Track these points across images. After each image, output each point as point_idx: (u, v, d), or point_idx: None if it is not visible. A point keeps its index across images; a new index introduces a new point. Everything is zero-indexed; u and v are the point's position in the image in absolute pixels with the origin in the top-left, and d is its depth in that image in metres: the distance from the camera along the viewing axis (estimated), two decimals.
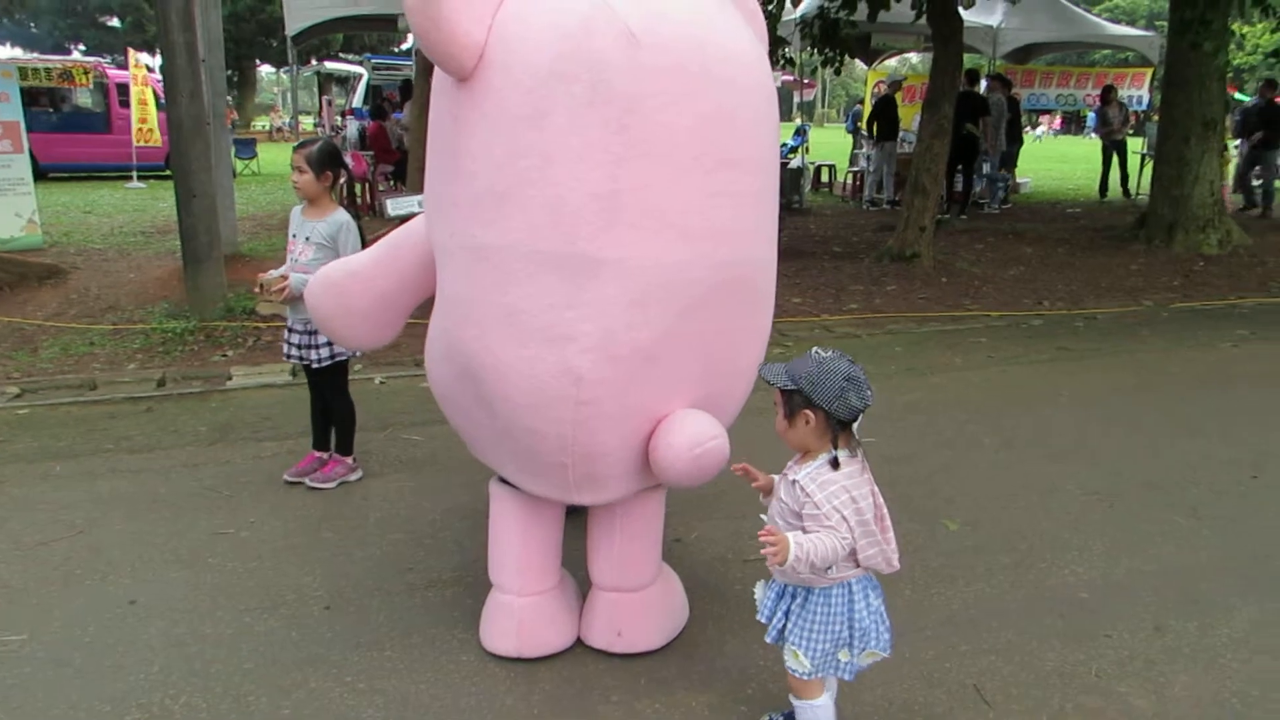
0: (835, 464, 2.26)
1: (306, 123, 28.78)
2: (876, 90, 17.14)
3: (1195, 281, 9.47)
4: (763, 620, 2.47)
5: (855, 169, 16.56)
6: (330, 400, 4.36)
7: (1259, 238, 11.43)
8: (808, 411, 2.26)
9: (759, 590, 2.53)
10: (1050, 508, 4.12)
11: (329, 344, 4.15)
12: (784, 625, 2.41)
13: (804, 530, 2.24)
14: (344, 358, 4.26)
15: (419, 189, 8.22)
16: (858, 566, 2.32)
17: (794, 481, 2.29)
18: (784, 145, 22.56)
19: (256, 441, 4.84)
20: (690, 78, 2.40)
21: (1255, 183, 14.29)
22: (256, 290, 4.10)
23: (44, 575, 3.45)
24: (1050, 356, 6.77)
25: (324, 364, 4.18)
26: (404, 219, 8.09)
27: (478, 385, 2.59)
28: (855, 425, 2.30)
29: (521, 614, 2.93)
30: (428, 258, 2.79)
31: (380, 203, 10.70)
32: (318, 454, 4.41)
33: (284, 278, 4.02)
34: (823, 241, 11.44)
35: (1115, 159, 15.91)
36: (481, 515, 3.95)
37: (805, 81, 22.48)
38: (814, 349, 2.32)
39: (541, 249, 2.40)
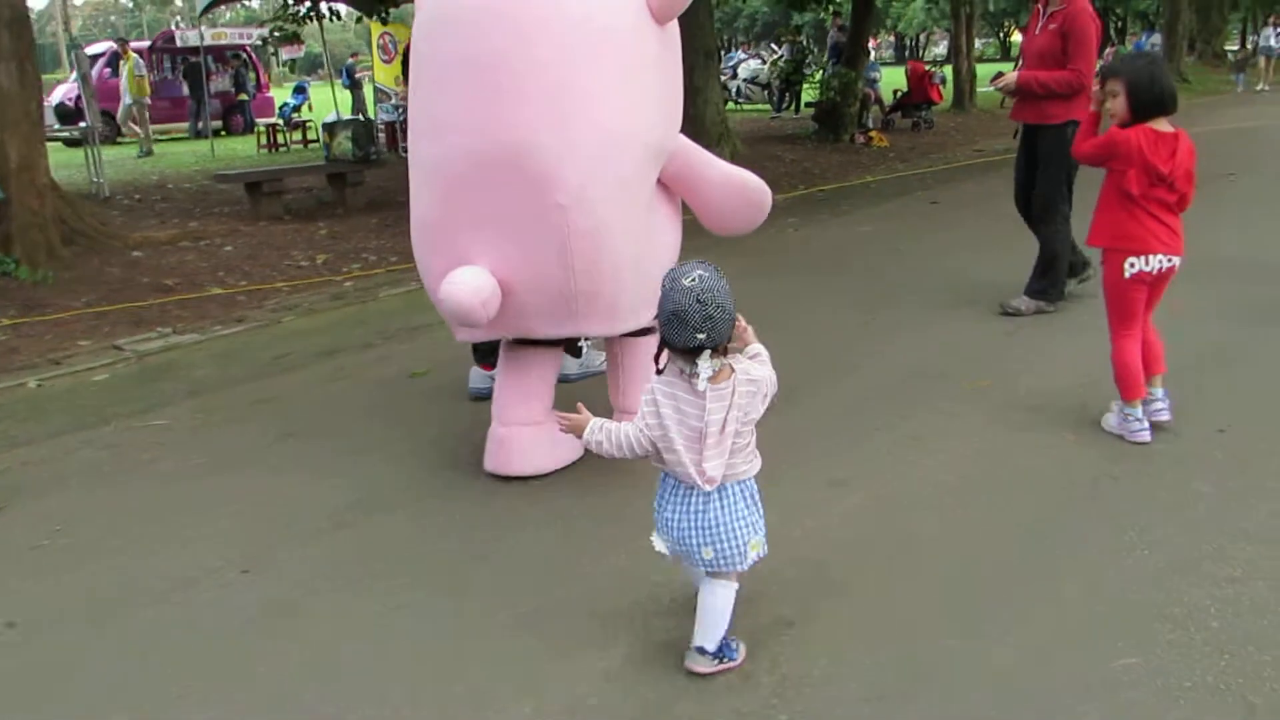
0: (657, 371, 2.41)
1: None
2: (381, 42, 17.24)
3: None
4: None
5: (389, 119, 16.36)
6: None
7: (751, 148, 13.69)
8: (656, 321, 2.40)
9: None
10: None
11: None
12: None
13: None
14: None
15: None
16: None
17: None
18: (285, 105, 21.79)
19: None
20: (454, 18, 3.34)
21: None
22: None
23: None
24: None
25: None
26: None
27: None
28: (705, 355, 2.29)
29: None
30: None
31: None
32: None
33: None
34: (399, 190, 11.47)
35: None
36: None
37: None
38: (697, 271, 2.30)
39: None
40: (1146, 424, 3.77)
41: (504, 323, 3.46)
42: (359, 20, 16.19)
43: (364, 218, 9.86)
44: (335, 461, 3.98)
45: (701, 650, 2.49)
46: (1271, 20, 25.95)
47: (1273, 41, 23.84)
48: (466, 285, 3.25)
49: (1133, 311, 3.77)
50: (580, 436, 2.51)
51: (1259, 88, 23.00)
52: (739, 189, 3.89)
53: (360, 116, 15.67)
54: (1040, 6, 5.49)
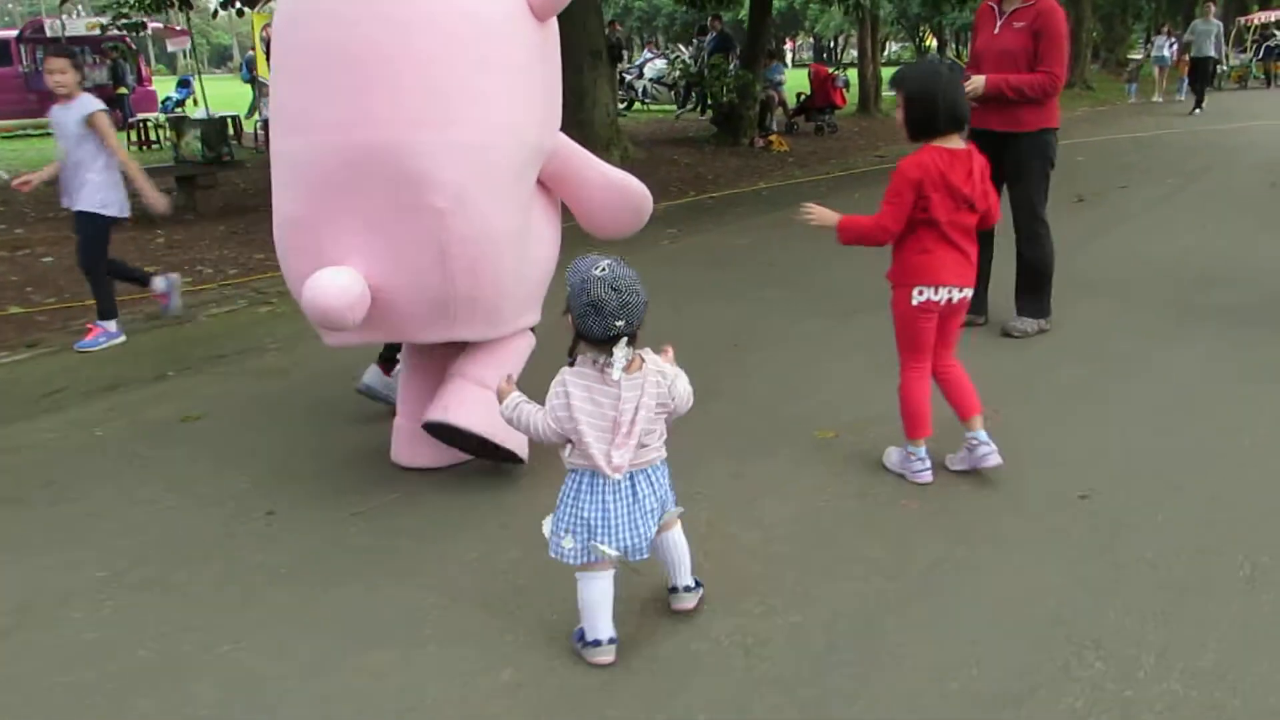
0: (570, 363, 2.43)
1: None
2: (265, 35, 16.38)
3: None
4: None
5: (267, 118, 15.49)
6: None
7: (647, 152, 13.19)
8: (568, 315, 2.37)
9: None
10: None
11: None
12: None
13: None
14: None
15: None
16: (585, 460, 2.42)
17: None
18: (168, 99, 20.66)
19: None
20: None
21: None
22: None
23: None
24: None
25: None
26: None
27: None
28: (622, 343, 2.33)
29: None
30: None
31: None
32: None
33: None
34: (258, 194, 10.76)
35: None
36: None
37: (177, 29, 20.59)
38: (605, 261, 2.32)
39: None
40: (929, 463, 3.47)
41: (376, 327, 3.26)
42: (214, 13, 15.26)
43: (212, 225, 9.13)
44: (45, 541, 3.30)
45: (688, 588, 2.72)
46: (1165, 29, 25.85)
47: (1165, 51, 23.22)
48: (332, 288, 3.02)
49: (923, 343, 3.46)
50: (500, 403, 2.54)
51: (1155, 98, 22.43)
52: (619, 192, 3.78)
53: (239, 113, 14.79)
54: (994, 4, 5.04)
